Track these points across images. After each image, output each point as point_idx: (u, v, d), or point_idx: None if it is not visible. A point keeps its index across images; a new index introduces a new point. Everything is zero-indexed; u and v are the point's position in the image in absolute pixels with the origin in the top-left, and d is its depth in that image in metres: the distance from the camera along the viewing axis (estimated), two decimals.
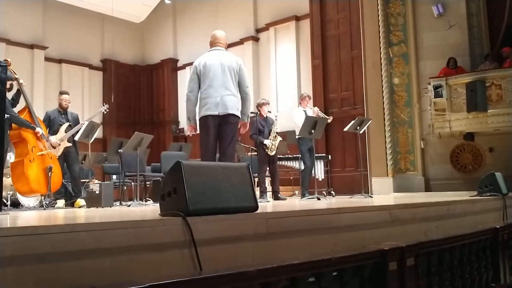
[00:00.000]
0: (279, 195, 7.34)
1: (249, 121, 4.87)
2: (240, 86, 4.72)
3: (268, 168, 7.51)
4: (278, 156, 8.92)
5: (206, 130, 4.55)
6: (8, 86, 5.48)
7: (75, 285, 1.85)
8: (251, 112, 6.14)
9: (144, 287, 1.57)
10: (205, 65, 4.60)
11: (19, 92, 5.81)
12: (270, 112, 7.66)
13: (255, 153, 7.73)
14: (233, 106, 4.58)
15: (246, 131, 4.92)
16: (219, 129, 4.57)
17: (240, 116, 4.65)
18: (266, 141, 7.28)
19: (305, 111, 7.51)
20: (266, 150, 7.27)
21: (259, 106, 7.61)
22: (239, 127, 4.73)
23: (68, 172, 6.51)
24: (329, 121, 7.47)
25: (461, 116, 8.65)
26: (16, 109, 5.84)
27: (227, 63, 4.62)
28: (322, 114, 7.79)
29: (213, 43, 4.82)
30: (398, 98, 9.87)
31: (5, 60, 5.50)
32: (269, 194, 7.88)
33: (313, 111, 7.64)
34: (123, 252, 2.02)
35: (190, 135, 4.87)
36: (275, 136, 7.37)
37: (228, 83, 4.58)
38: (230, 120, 4.56)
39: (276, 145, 7.36)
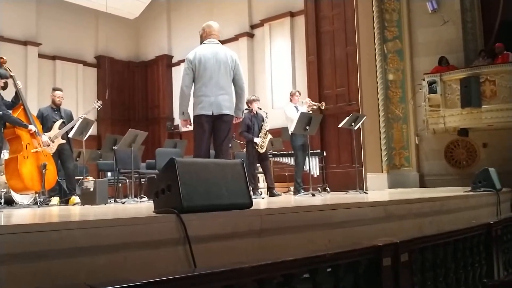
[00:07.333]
0: (274, 191, 7.28)
1: (243, 115, 4.83)
2: (236, 83, 4.66)
3: (260, 165, 7.47)
4: (274, 152, 8.94)
5: (200, 127, 4.51)
6: (2, 84, 5.46)
7: (69, 282, 1.84)
8: None
9: (138, 284, 1.57)
10: (201, 60, 4.50)
11: (17, 94, 5.80)
12: (260, 108, 7.56)
13: None
14: (228, 106, 4.54)
15: (237, 123, 4.86)
16: (213, 127, 4.55)
17: (233, 114, 4.63)
18: (256, 139, 7.14)
19: (296, 107, 7.47)
20: (257, 148, 7.18)
21: (249, 102, 7.42)
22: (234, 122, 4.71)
23: (62, 169, 6.49)
24: (322, 107, 7.51)
25: (455, 112, 8.68)
26: None
27: (223, 59, 4.55)
28: (314, 103, 7.73)
29: (208, 34, 4.67)
30: (392, 94, 9.90)
31: (0, 57, 5.48)
32: (264, 190, 7.84)
33: (305, 102, 7.58)
34: (117, 250, 2.02)
35: (183, 129, 4.84)
36: (266, 133, 7.31)
37: (223, 81, 4.53)
38: (224, 119, 4.53)
39: (267, 142, 7.31)
